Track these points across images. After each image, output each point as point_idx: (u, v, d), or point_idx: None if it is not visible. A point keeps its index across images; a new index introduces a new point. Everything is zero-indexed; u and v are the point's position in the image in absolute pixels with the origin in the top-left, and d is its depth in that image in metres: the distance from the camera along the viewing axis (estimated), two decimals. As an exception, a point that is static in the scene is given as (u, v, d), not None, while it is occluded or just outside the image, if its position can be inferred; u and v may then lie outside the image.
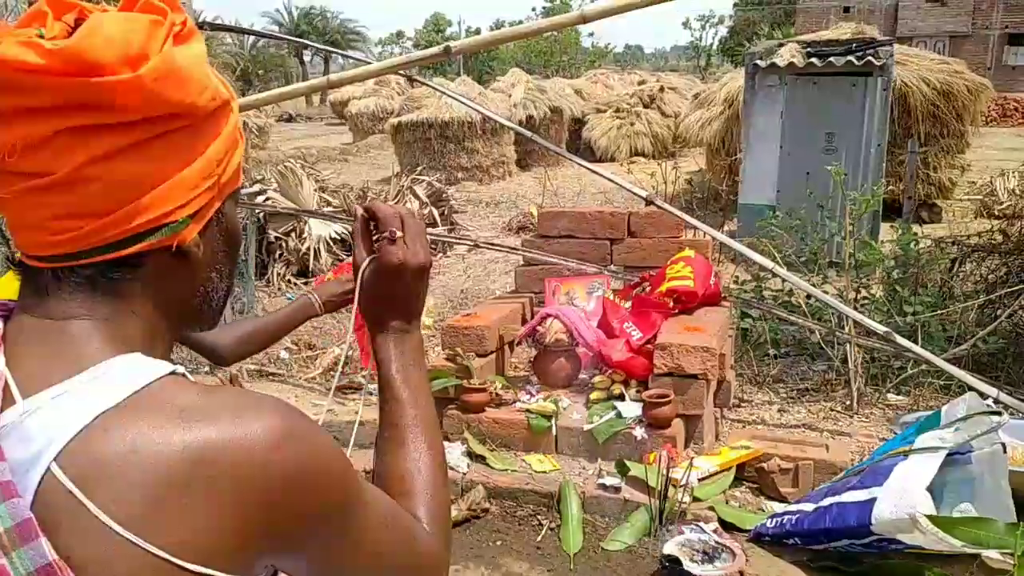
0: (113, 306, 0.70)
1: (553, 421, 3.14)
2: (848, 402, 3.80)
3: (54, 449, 0.59)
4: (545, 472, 3.01)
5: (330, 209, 9.08)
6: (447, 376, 3.30)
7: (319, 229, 8.28)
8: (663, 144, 15.99)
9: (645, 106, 16.57)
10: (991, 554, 2.46)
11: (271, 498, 0.63)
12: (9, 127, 0.63)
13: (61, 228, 0.66)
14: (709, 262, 3.72)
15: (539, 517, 2.86)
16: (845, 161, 7.90)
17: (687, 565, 2.39)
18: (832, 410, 3.78)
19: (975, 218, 9.37)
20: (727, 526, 2.73)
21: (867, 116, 8.13)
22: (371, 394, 3.55)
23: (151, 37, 0.65)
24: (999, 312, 4.82)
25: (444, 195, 9.86)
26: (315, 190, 9.12)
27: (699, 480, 2.86)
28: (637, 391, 3.22)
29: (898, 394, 3.97)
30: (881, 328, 3.38)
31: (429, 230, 7.12)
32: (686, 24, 48.36)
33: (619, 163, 15.24)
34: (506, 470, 3.03)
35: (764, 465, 2.96)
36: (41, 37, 0.63)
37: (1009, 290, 4.71)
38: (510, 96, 15.15)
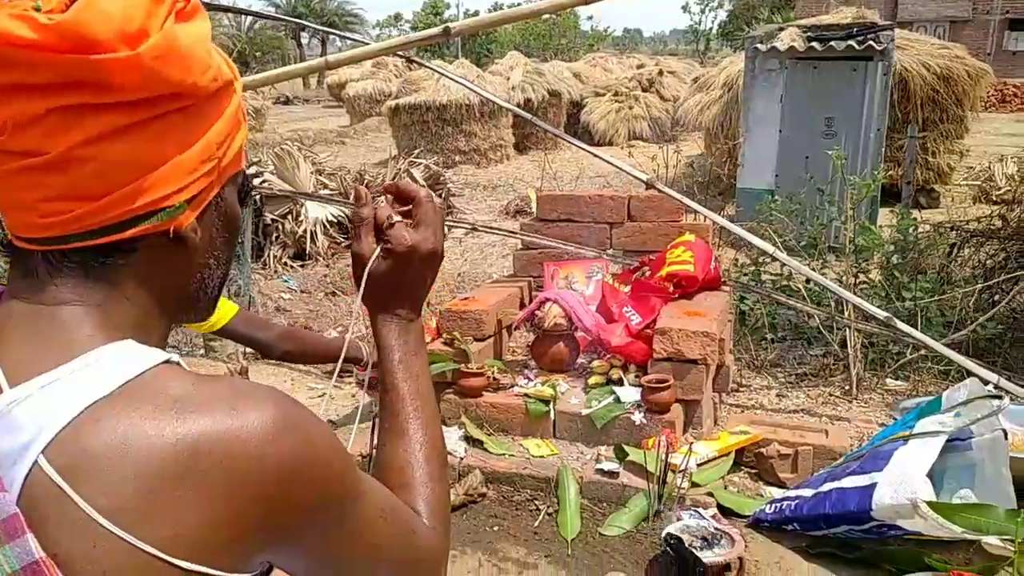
0: (105, 292, 0.68)
1: (551, 406, 3.12)
2: (847, 387, 3.79)
3: (43, 440, 0.57)
4: (543, 457, 3.00)
5: (327, 192, 9.04)
6: (445, 360, 3.28)
7: (316, 212, 8.25)
8: (662, 128, 15.92)
9: (644, 90, 16.50)
10: (991, 540, 2.45)
11: (267, 491, 0.61)
12: (4, 104, 0.61)
13: (53, 210, 0.64)
14: (709, 246, 3.69)
15: (536, 502, 2.85)
16: (845, 146, 7.87)
17: (688, 543, 2.38)
18: (831, 395, 3.77)
19: (973, 203, 9.35)
20: (725, 511, 2.71)
21: (867, 101, 8.10)
22: (362, 382, 3.52)
23: (151, 14, 0.62)
24: (997, 297, 4.82)
25: (442, 178, 9.82)
26: (312, 172, 9.07)
27: (698, 465, 2.84)
28: (636, 376, 3.20)
29: (897, 379, 3.96)
30: (882, 313, 3.36)
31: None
32: (685, 8, 48.08)
33: (618, 147, 15.20)
34: (503, 455, 3.01)
35: (763, 450, 2.94)
36: (37, 10, 0.60)
37: (1008, 276, 4.68)
38: (508, 79, 15.06)
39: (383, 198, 0.94)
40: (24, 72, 0.59)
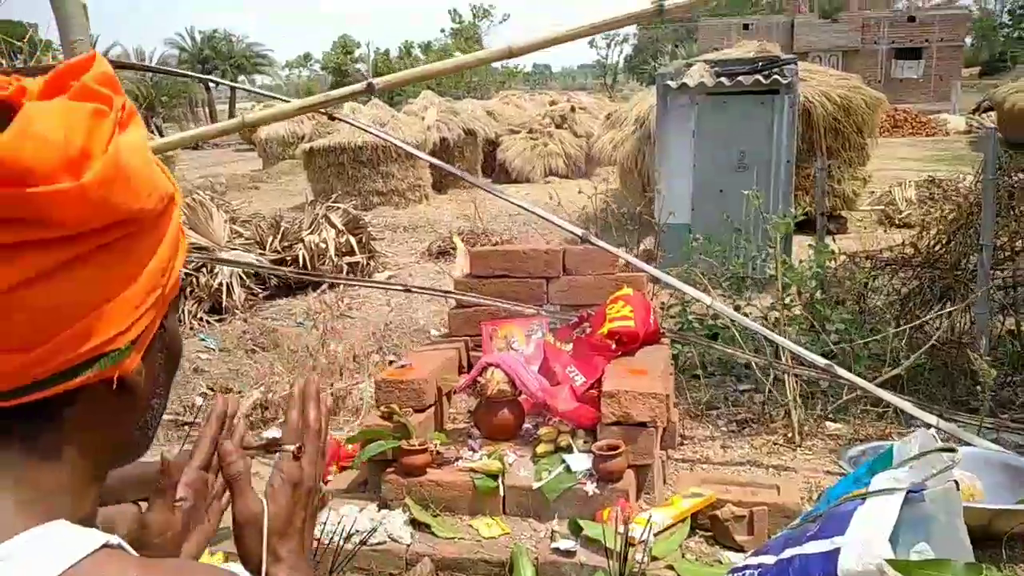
0: (33, 458, 0.56)
1: (500, 480, 2.99)
2: (789, 434, 3.79)
3: None
4: (494, 538, 2.85)
5: (241, 241, 8.74)
6: (384, 436, 3.11)
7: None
8: (576, 164, 16.13)
9: (557, 127, 16.69)
10: (953, 598, 2.43)
11: None
12: None
13: None
14: (647, 299, 3.65)
15: (491, 587, 2.71)
16: (757, 178, 8.08)
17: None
18: (775, 444, 3.76)
19: (885, 229, 9.71)
20: (686, 582, 2.63)
21: (776, 133, 8.35)
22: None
23: (93, 133, 0.53)
24: (910, 326, 4.94)
25: (361, 222, 9.62)
26: (226, 221, 8.78)
27: (654, 535, 2.76)
28: (585, 441, 3.10)
29: (835, 422, 3.98)
30: (822, 361, 3.37)
31: (348, 259, 6.88)
32: (592, 43, 49.28)
33: (537, 182, 15.29)
34: (452, 538, 2.86)
35: (718, 513, 2.88)
36: None
37: (936, 314, 4.81)
38: (423, 119, 14.99)
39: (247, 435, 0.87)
40: None
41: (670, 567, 2.67)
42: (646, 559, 2.64)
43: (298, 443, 0.81)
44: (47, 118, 0.52)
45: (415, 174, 14.02)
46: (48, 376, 0.55)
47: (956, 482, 2.58)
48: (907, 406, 3.32)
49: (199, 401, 5.68)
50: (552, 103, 19.02)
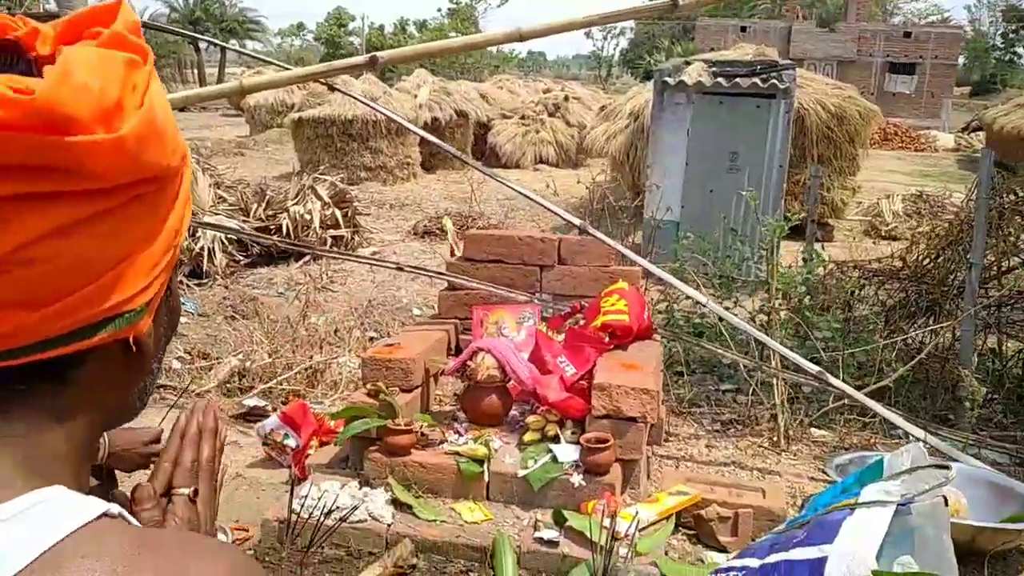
0: (34, 419, 0.54)
1: (485, 466, 2.95)
2: (774, 437, 3.78)
3: None
4: (477, 523, 2.82)
5: (226, 206, 8.61)
6: (368, 414, 3.06)
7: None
8: (567, 153, 16.06)
9: (550, 114, 16.61)
10: (935, 612, 2.42)
11: None
12: None
13: None
14: (642, 295, 3.61)
15: (471, 574, 2.67)
16: (748, 180, 8.08)
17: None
18: (760, 446, 3.75)
19: (874, 241, 9.77)
20: (667, 580, 2.61)
21: (770, 137, 8.35)
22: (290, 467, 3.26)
23: (129, 84, 0.51)
24: (897, 336, 4.96)
25: (348, 196, 9.50)
26: (210, 186, 8.64)
27: (639, 531, 2.73)
28: (573, 432, 3.07)
29: (820, 429, 3.98)
30: (814, 368, 3.36)
31: (333, 232, 6.79)
32: (588, 34, 49.07)
33: (527, 169, 15.23)
34: (435, 521, 2.81)
35: (702, 512, 2.86)
36: None
37: (928, 329, 4.83)
38: (415, 97, 14.84)
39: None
40: None
41: (653, 564, 2.64)
42: (630, 554, 2.61)
43: (192, 486, 0.78)
44: (86, 66, 0.50)
45: (404, 151, 13.89)
46: (66, 333, 0.52)
47: (944, 497, 2.58)
48: (897, 419, 3.32)
49: (176, 365, 5.58)
50: (546, 91, 18.92)
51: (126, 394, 0.63)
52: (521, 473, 2.92)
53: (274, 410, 3.86)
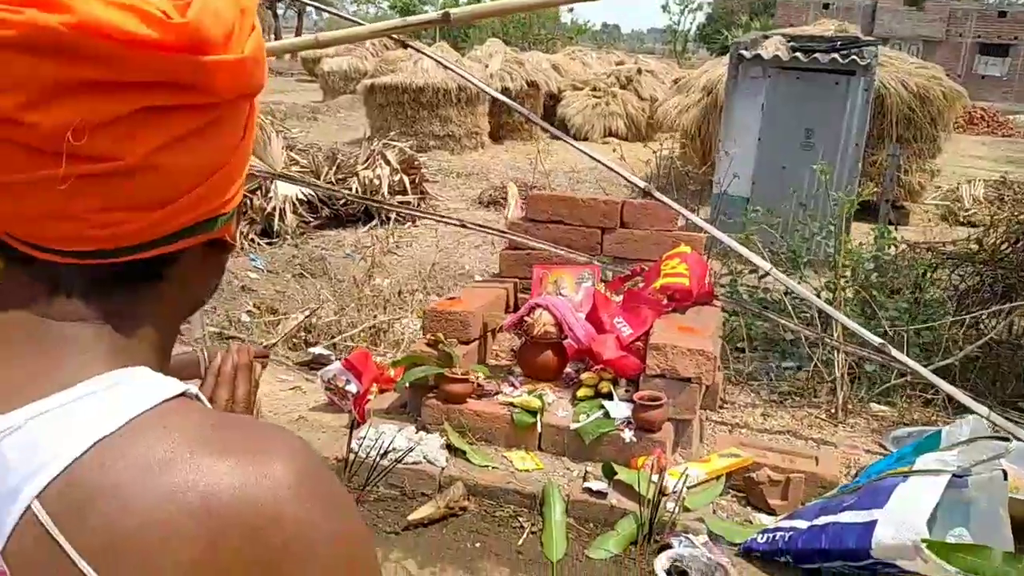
0: (136, 307, 0.61)
1: (538, 417, 3.01)
2: (832, 410, 3.74)
3: (38, 483, 0.49)
4: (527, 471, 2.88)
5: (298, 169, 8.81)
6: (428, 363, 3.14)
7: (285, 189, 8.03)
8: (638, 127, 15.88)
9: (622, 87, 16.42)
10: (987, 584, 2.39)
11: (279, 555, 0.53)
12: (82, 103, 0.52)
13: (109, 221, 0.56)
14: (704, 260, 3.60)
15: (520, 519, 2.73)
16: (823, 158, 7.87)
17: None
18: (817, 418, 3.71)
19: (949, 225, 9.46)
20: (714, 537, 2.63)
21: (847, 115, 8.12)
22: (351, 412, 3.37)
23: (244, 14, 0.58)
24: (969, 320, 4.82)
25: (416, 163, 9.62)
26: (283, 148, 8.83)
27: (688, 488, 2.75)
28: (626, 390, 3.10)
29: (880, 404, 3.92)
30: (876, 339, 3.30)
31: (400, 198, 6.90)
32: (665, 7, 48.13)
33: (595, 142, 15.13)
34: (487, 467, 2.89)
35: (753, 475, 2.87)
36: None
37: (995, 308, 4.68)
38: (487, 66, 14.85)
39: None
40: (120, 70, 0.52)
41: (700, 520, 2.67)
42: (678, 510, 2.64)
43: None
44: None
45: (473, 121, 13.94)
46: (172, 233, 0.59)
47: (1004, 471, 2.53)
48: (958, 394, 3.25)
49: (245, 318, 5.79)
50: (619, 63, 18.70)
51: (203, 291, 0.69)
52: (573, 426, 2.96)
53: (337, 359, 3.98)
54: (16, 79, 0.51)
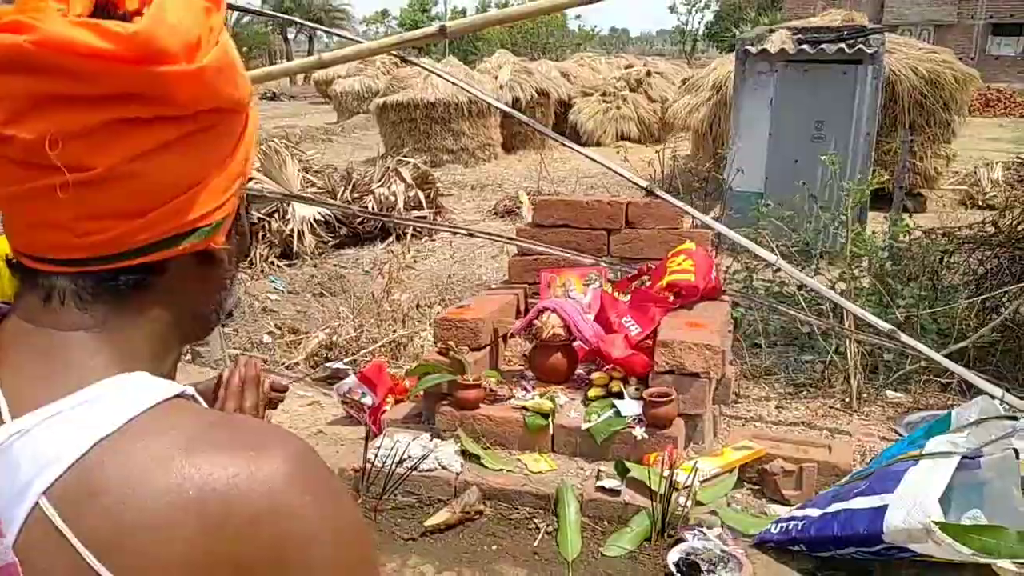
0: (127, 317, 0.63)
1: (550, 419, 3.04)
2: (847, 399, 3.73)
3: (45, 480, 0.53)
4: (541, 472, 2.92)
5: (314, 190, 8.92)
6: (440, 371, 3.19)
7: (303, 210, 8.14)
8: (650, 129, 15.89)
9: (632, 90, 16.45)
10: (1003, 564, 2.39)
11: (274, 548, 0.55)
12: (53, 115, 0.56)
13: (91, 229, 0.59)
14: (710, 255, 3.62)
15: (535, 520, 2.77)
16: (834, 149, 7.85)
17: (706, 570, 2.31)
18: (831, 407, 3.71)
19: (966, 209, 9.36)
20: (728, 530, 2.64)
21: (857, 104, 8.08)
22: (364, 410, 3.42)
23: (206, 26, 0.60)
24: (987, 304, 4.78)
25: (430, 177, 9.71)
26: (299, 171, 8.95)
27: (701, 482, 2.77)
28: (636, 389, 3.12)
29: (896, 391, 3.91)
30: (885, 326, 3.30)
31: (416, 213, 6.98)
32: (672, 8, 48.10)
33: (607, 147, 15.14)
34: (501, 470, 2.93)
35: (767, 467, 2.88)
36: (124, 19, 0.58)
37: (1006, 289, 4.64)
38: (496, 78, 14.96)
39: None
40: (87, 83, 0.56)
41: (713, 513, 2.68)
42: (690, 503, 2.66)
43: None
44: (174, 10, 0.58)
45: (485, 133, 14.04)
46: (153, 242, 0.62)
47: (1016, 451, 2.53)
48: (970, 375, 3.24)
49: (267, 339, 5.87)
50: (628, 66, 18.73)
51: (202, 304, 0.71)
52: (585, 426, 3.00)
53: (354, 373, 4.04)
54: None
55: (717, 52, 36.01)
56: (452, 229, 4.72)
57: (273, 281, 7.36)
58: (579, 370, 3.44)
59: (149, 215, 0.60)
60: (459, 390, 3.11)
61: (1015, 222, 5.78)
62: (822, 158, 5.62)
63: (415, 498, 2.89)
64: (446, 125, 13.69)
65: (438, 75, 3.98)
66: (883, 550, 2.39)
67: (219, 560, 0.54)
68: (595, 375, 3.26)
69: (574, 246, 3.85)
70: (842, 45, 8.20)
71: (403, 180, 9.12)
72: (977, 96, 20.03)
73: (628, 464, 2.83)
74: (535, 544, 2.66)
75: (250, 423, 0.64)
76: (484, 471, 2.92)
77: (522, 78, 15.23)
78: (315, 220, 8.24)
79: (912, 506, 2.32)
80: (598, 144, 15.41)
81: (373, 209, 8.59)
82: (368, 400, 3.42)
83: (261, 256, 7.69)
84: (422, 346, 5.44)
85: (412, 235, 8.67)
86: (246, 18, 38.91)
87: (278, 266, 7.72)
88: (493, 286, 6.98)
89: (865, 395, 3.78)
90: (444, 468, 2.92)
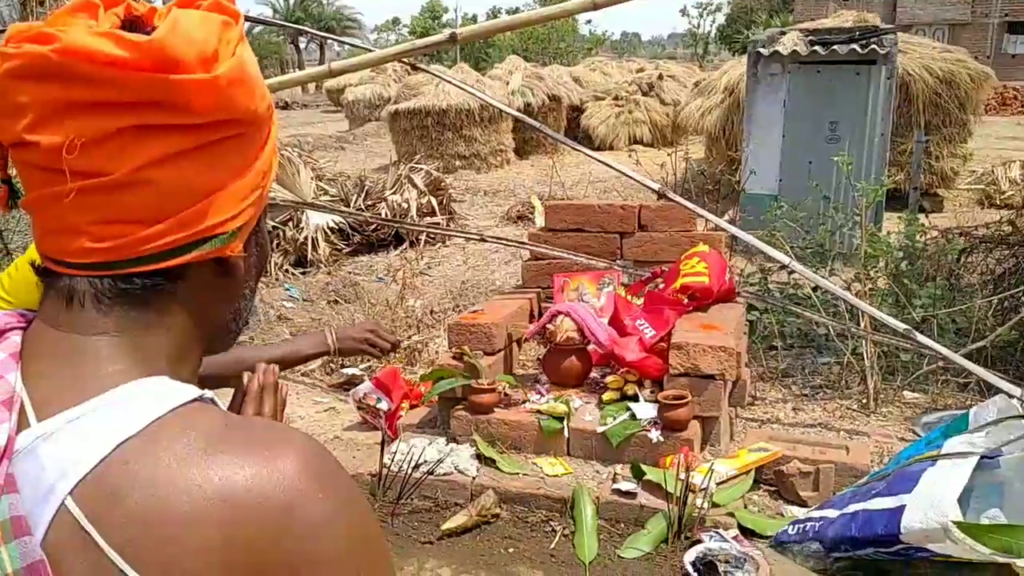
0: (146, 321, 0.65)
1: (565, 423, 3.05)
2: (864, 400, 3.71)
3: (70, 481, 0.55)
4: (557, 476, 2.92)
5: (327, 198, 8.97)
6: (454, 376, 3.20)
7: (317, 218, 8.18)
8: (662, 132, 15.86)
9: (644, 94, 16.42)
10: (1023, 563, 2.37)
11: (292, 545, 0.57)
12: (73, 122, 0.58)
13: (107, 234, 0.61)
14: (723, 257, 3.62)
15: (552, 523, 2.77)
16: (849, 151, 7.80)
17: (723, 571, 2.30)
18: (848, 409, 3.69)
19: (983, 208, 9.29)
20: (745, 532, 2.64)
21: (871, 105, 8.04)
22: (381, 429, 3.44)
23: (223, 39, 0.62)
24: (1007, 304, 4.75)
25: (443, 184, 9.74)
26: (312, 179, 8.99)
27: (717, 484, 2.77)
28: (651, 391, 3.12)
29: (913, 392, 3.88)
30: (900, 326, 3.28)
31: (429, 219, 7.03)
32: (684, 11, 48.07)
33: (619, 151, 15.13)
34: (517, 474, 2.94)
35: (783, 468, 2.87)
36: (137, 29, 0.60)
37: (1018, 283, 4.60)
38: (508, 83, 14.98)
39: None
40: (104, 90, 0.58)
41: (730, 515, 2.68)
42: (706, 505, 2.66)
43: None
44: (190, 21, 0.61)
45: (497, 138, 14.05)
46: (168, 248, 0.63)
47: (1035, 449, 2.51)
48: (988, 375, 3.21)
49: (282, 346, 5.91)
50: (639, 70, 18.72)
51: (220, 312, 0.73)
52: (600, 429, 3.00)
53: (369, 378, 4.06)
54: (20, 104, 0.58)
55: (729, 55, 35.97)
56: (465, 235, 4.73)
57: (288, 289, 7.40)
58: (593, 373, 3.45)
59: (165, 221, 0.62)
60: (474, 394, 3.12)
61: (1032, 221, 5.73)
62: (836, 159, 5.61)
63: (432, 502, 2.90)
64: (458, 131, 13.72)
65: (448, 82, 4.00)
66: (901, 550, 2.37)
67: (239, 556, 0.55)
68: (609, 378, 3.26)
69: (587, 250, 3.85)
70: (855, 46, 8.18)
71: (416, 187, 9.16)
72: (993, 95, 19.90)
73: (644, 467, 2.83)
74: (552, 547, 2.67)
75: (265, 424, 0.65)
76: (500, 475, 2.93)
77: (533, 83, 15.23)
78: (329, 228, 8.28)
79: (929, 507, 2.30)
80: (610, 148, 15.40)
81: (386, 216, 8.64)
82: (384, 405, 3.43)
83: (276, 264, 7.74)
84: (436, 352, 5.46)
85: (425, 241, 8.70)
86: (258, 28, 39.25)
87: (293, 274, 7.76)
88: (507, 291, 7.01)
89: (882, 396, 3.75)
90: (460, 472, 2.93)
